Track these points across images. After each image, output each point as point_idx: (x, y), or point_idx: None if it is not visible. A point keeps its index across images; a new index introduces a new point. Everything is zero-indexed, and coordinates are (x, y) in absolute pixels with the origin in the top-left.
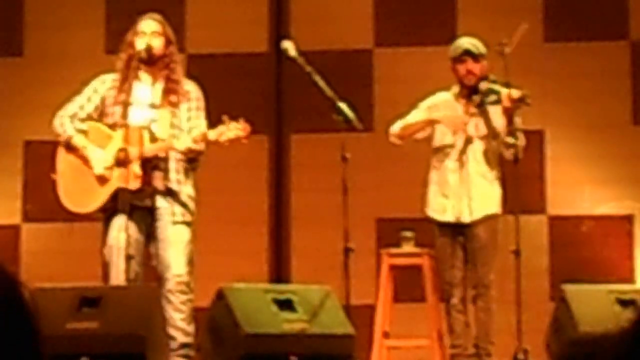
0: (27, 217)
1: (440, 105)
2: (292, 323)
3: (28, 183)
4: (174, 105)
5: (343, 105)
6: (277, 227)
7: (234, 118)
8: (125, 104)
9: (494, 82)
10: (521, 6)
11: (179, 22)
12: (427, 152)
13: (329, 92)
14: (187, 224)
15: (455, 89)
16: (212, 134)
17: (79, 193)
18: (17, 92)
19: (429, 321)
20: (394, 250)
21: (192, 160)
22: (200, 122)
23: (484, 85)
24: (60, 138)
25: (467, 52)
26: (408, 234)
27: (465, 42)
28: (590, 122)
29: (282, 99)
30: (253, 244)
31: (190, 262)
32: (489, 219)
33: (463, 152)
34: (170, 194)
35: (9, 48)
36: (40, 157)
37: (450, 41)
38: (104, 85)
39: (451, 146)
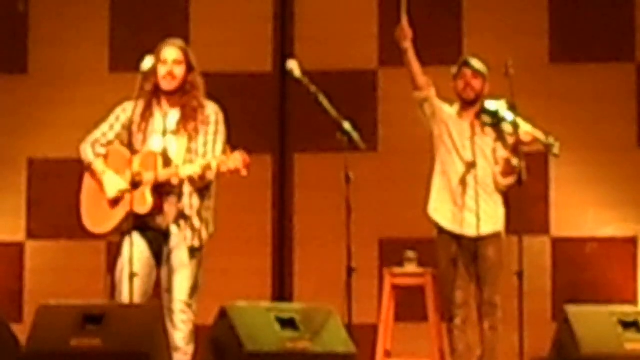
0: (31, 235)
1: (447, 117)
2: (294, 342)
3: (32, 200)
4: (192, 130)
5: (347, 125)
6: (280, 246)
7: (234, 148)
8: (145, 132)
9: (513, 108)
10: (527, 27)
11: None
12: (431, 171)
13: (333, 112)
14: (198, 249)
15: (457, 106)
16: (214, 163)
17: (97, 214)
18: (21, 110)
19: (430, 340)
20: (396, 270)
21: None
22: (216, 147)
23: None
24: (84, 163)
25: (466, 63)
26: (411, 254)
27: (467, 57)
28: (595, 144)
29: (286, 118)
30: (256, 263)
31: (195, 287)
32: (495, 237)
33: (467, 173)
34: (182, 218)
35: (13, 65)
36: (44, 174)
37: (456, 61)
38: (125, 113)
39: (455, 169)
